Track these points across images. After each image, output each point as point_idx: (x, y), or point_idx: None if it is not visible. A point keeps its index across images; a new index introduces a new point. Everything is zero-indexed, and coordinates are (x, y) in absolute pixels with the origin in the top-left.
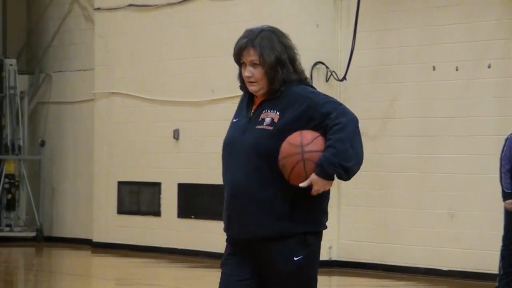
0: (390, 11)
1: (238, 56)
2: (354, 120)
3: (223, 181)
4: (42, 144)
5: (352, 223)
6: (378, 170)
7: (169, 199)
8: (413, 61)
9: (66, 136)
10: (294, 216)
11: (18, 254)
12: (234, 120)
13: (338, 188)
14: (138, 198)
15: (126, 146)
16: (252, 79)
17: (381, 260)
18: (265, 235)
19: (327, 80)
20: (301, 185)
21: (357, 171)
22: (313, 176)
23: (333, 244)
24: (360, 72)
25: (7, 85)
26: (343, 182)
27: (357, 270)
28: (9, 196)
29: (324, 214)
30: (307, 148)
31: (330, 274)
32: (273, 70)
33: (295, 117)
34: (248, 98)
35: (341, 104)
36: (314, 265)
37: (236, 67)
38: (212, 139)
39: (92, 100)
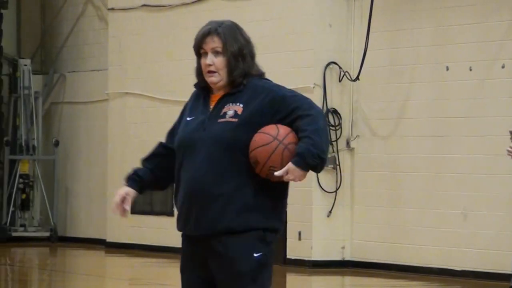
0: (403, 11)
1: (200, 43)
2: (322, 114)
3: (178, 177)
4: (56, 144)
5: (365, 223)
6: (391, 170)
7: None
8: (427, 61)
9: (80, 136)
10: (255, 211)
11: (32, 254)
12: (188, 119)
13: (351, 188)
14: (151, 198)
15: (140, 146)
16: (212, 68)
17: (394, 260)
18: (224, 229)
19: (340, 80)
20: (276, 173)
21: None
22: (291, 165)
23: (346, 244)
24: (373, 72)
25: (21, 85)
26: (356, 181)
27: (370, 270)
28: (24, 196)
29: (283, 213)
30: (286, 141)
31: (343, 274)
32: (235, 60)
33: (261, 109)
34: (203, 96)
35: (307, 98)
36: (271, 264)
37: None
38: None
39: (105, 100)
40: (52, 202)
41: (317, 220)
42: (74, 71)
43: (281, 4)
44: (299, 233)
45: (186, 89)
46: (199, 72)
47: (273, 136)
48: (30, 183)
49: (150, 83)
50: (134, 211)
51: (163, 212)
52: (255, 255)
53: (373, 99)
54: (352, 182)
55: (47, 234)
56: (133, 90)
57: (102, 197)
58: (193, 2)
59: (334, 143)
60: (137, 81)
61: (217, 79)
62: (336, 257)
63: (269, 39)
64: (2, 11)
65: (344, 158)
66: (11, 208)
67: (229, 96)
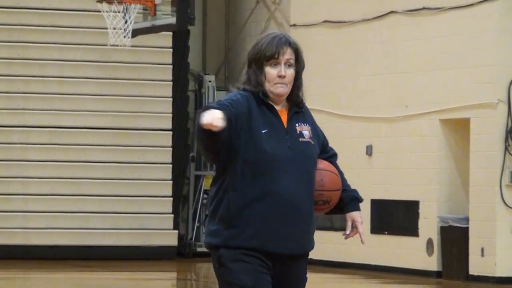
0: None
1: (277, 52)
2: None
3: (264, 192)
4: None
5: None
6: None
7: (362, 215)
8: None
9: None
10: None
11: None
12: (263, 131)
13: None
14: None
15: None
16: (284, 80)
17: None
18: (309, 249)
19: None
20: (363, 239)
21: None
22: (358, 214)
23: None
24: None
25: (206, 101)
26: None
27: None
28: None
29: None
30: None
31: None
32: (300, 75)
33: (320, 138)
34: (266, 107)
35: None
36: None
37: (429, 82)
38: (405, 155)
39: None
40: None
41: (501, 236)
42: None
43: (464, 19)
44: (482, 249)
45: (365, 105)
46: (259, 81)
47: (341, 181)
48: None
49: (330, 99)
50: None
51: (344, 228)
52: (306, 276)
53: None
54: None
55: None
56: (313, 106)
57: None
58: (374, 18)
59: None
60: (317, 97)
61: (286, 90)
62: None
63: (451, 54)
64: (189, 28)
65: None
66: (196, 224)
67: (297, 114)
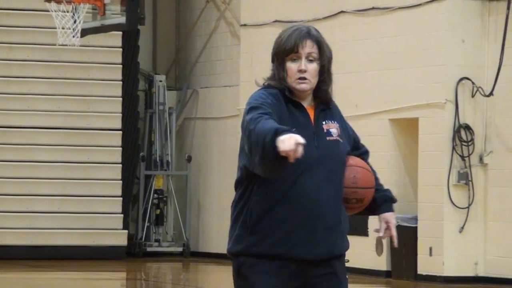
0: None
1: (297, 45)
2: None
3: (287, 196)
4: (189, 159)
5: (499, 239)
6: None
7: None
8: None
9: (212, 152)
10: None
11: (166, 269)
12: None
13: (484, 204)
14: None
15: None
16: (306, 75)
17: None
18: (339, 252)
19: (473, 96)
20: (396, 242)
21: None
22: (392, 215)
23: (479, 260)
24: (508, 87)
25: (156, 101)
26: (489, 197)
27: (504, 286)
28: (158, 211)
29: None
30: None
31: None
32: (327, 69)
33: (350, 135)
34: (293, 105)
35: None
36: None
37: (379, 82)
38: None
39: (237, 115)
40: (184, 217)
41: (448, 236)
42: (206, 87)
43: (413, 20)
44: (430, 249)
45: None
46: (281, 77)
47: (374, 179)
48: (164, 198)
49: None
50: None
51: None
52: (347, 277)
53: (508, 115)
54: (485, 197)
55: (180, 249)
56: None
57: None
58: (324, 18)
59: (466, 158)
60: None
61: (309, 86)
62: (469, 273)
63: (400, 54)
64: (139, 27)
65: (477, 173)
66: (146, 223)
67: (323, 112)
